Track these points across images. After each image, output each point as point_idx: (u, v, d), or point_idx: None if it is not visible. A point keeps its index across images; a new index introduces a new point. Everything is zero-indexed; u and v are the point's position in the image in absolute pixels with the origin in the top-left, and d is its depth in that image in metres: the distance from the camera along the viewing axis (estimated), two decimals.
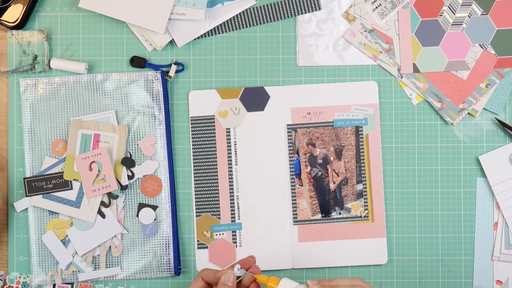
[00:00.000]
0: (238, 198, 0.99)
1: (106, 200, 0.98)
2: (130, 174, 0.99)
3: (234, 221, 0.99)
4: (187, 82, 1.00)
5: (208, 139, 1.00)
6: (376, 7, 1.00)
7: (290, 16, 1.00)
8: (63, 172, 0.98)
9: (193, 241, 1.00)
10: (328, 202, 1.00)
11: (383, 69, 1.00)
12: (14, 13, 0.98)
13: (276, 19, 1.00)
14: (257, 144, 0.99)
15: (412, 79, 1.00)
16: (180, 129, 1.00)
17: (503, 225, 0.99)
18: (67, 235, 0.99)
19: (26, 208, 0.99)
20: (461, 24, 0.99)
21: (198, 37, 1.00)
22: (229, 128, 1.00)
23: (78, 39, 1.00)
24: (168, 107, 0.99)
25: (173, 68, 0.99)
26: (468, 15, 0.99)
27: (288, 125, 1.00)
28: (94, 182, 0.98)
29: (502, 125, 0.99)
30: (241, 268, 0.86)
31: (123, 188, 0.99)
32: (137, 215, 0.99)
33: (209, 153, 1.00)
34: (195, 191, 1.00)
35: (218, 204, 0.99)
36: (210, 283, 0.86)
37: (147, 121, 0.99)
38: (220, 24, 1.00)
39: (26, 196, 0.98)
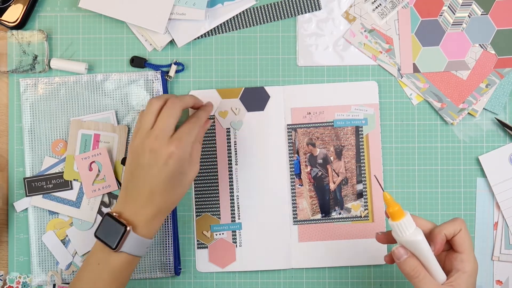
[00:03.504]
0: (238, 198, 0.99)
1: (106, 200, 0.98)
2: None
3: (234, 221, 0.99)
4: (187, 82, 1.00)
5: (208, 139, 1.00)
6: (376, 7, 1.00)
7: (290, 16, 1.00)
8: (63, 172, 0.98)
9: (193, 241, 1.00)
10: (328, 202, 1.00)
11: (383, 69, 1.00)
12: (14, 13, 0.98)
13: (276, 19, 1.00)
14: (257, 144, 0.99)
15: (412, 79, 1.00)
16: None
17: (503, 225, 0.99)
18: (67, 235, 0.99)
19: (26, 208, 0.99)
20: (461, 24, 0.99)
21: (198, 37, 1.00)
22: (229, 128, 1.00)
23: (78, 39, 1.00)
24: None
25: (173, 68, 0.99)
26: (468, 15, 0.99)
27: (288, 125, 1.00)
28: (94, 182, 0.98)
29: (502, 125, 0.99)
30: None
31: None
32: None
33: (209, 153, 1.00)
34: (195, 191, 1.00)
35: (218, 204, 0.99)
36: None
37: None
38: (220, 24, 1.00)
39: (26, 196, 0.98)
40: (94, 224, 0.98)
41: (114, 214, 0.85)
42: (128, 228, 0.84)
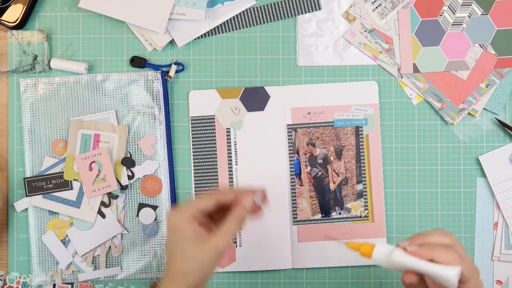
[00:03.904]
0: None
1: (106, 200, 0.98)
2: (130, 174, 0.99)
3: None
4: (187, 82, 1.00)
5: (208, 139, 1.00)
6: (376, 7, 1.00)
7: (290, 16, 1.00)
8: (63, 172, 0.98)
9: None
10: (328, 202, 1.00)
11: (383, 69, 1.00)
12: (14, 13, 0.98)
13: (276, 19, 1.00)
14: (257, 144, 0.99)
15: (412, 79, 1.00)
16: (180, 129, 1.00)
17: (503, 225, 0.99)
18: (67, 235, 0.99)
19: (26, 208, 0.99)
20: (461, 24, 0.99)
21: (198, 37, 1.00)
22: (229, 128, 1.00)
23: (78, 39, 1.00)
24: (168, 107, 0.99)
25: (173, 68, 0.99)
26: (468, 15, 0.99)
27: (288, 125, 1.00)
28: (94, 182, 0.98)
29: (502, 125, 0.99)
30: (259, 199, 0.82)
31: (123, 188, 0.99)
32: (137, 215, 0.99)
33: (209, 153, 1.00)
34: (195, 191, 1.00)
35: None
36: (223, 203, 0.81)
37: (147, 121, 0.99)
38: (220, 24, 1.00)
39: (26, 196, 0.98)
40: (94, 224, 0.98)
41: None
42: None
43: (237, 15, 1.00)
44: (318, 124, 0.99)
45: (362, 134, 0.99)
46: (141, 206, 0.99)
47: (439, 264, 0.72)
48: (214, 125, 1.00)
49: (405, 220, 1.00)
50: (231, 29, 1.00)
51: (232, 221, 0.78)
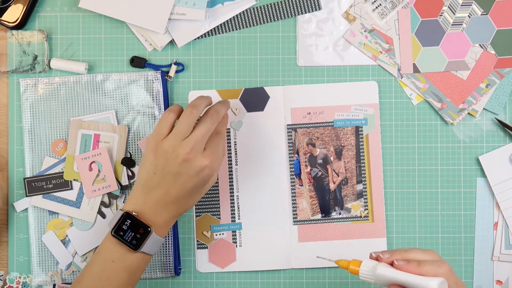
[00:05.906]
0: (238, 198, 0.99)
1: (106, 200, 0.98)
2: (130, 174, 0.99)
3: (234, 221, 0.99)
4: (187, 82, 1.00)
5: None
6: (376, 7, 1.00)
7: (290, 16, 1.00)
8: (63, 172, 0.98)
9: (193, 241, 1.00)
10: (328, 202, 1.00)
11: (383, 69, 1.00)
12: (14, 13, 0.98)
13: (276, 19, 1.00)
14: (257, 144, 0.99)
15: (412, 79, 1.00)
16: None
17: (503, 225, 0.99)
18: (67, 235, 0.99)
19: (26, 208, 0.99)
20: (461, 24, 0.99)
21: (198, 37, 1.00)
22: (229, 129, 1.00)
23: (78, 39, 1.00)
24: (168, 107, 0.99)
25: (173, 68, 0.99)
26: (468, 15, 0.99)
27: (288, 125, 1.00)
28: (94, 182, 0.98)
29: (502, 125, 0.99)
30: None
31: (123, 188, 0.99)
32: None
33: None
34: None
35: (218, 204, 0.99)
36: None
37: (147, 121, 0.99)
38: (220, 24, 1.00)
39: (26, 196, 0.98)
40: (94, 224, 0.98)
41: (134, 213, 0.85)
42: (150, 230, 0.85)
43: (237, 15, 1.00)
44: (318, 124, 1.00)
45: (362, 134, 0.99)
46: None
47: (417, 276, 0.74)
48: None
49: (405, 220, 1.00)
50: (231, 29, 1.00)
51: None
